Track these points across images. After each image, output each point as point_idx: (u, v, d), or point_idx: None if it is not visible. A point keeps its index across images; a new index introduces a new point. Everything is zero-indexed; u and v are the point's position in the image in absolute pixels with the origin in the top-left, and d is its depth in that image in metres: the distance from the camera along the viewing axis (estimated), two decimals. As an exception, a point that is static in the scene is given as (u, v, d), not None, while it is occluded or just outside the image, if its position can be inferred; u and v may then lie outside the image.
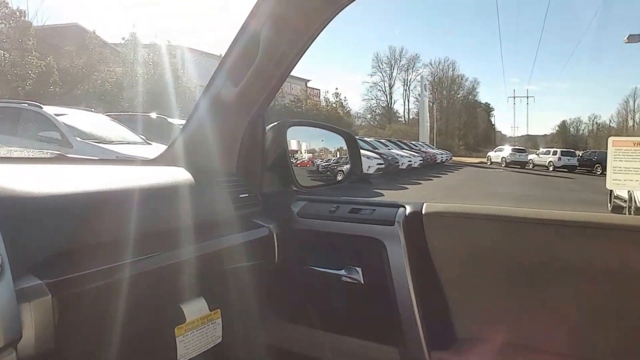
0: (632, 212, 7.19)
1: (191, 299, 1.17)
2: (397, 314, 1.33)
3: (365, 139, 21.42)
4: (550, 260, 1.23)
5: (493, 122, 52.21)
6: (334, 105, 36.01)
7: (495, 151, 31.92)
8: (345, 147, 1.70)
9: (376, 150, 17.26)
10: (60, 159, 1.25)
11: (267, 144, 1.48)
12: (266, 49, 1.28)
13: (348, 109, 39.72)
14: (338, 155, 1.76)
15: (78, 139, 6.78)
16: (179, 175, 1.28)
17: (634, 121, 48.71)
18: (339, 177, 1.71)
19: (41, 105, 7.54)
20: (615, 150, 1.21)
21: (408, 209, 1.37)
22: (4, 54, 16.54)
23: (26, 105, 7.73)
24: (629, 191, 7.78)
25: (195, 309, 1.17)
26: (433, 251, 1.34)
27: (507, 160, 29.05)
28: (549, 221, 1.22)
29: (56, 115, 7.22)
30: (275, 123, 1.49)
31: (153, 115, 10.36)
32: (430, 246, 1.34)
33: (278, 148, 1.47)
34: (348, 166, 1.68)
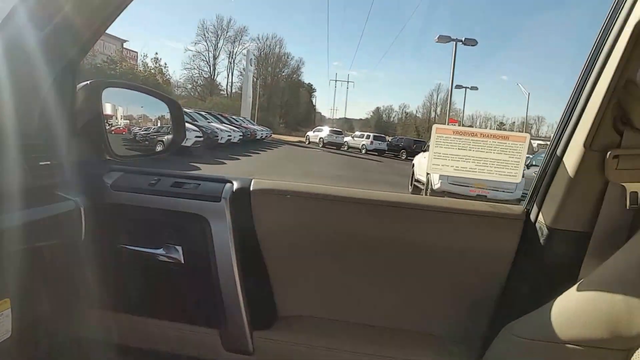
0: (427, 194, 8.49)
1: None
2: (219, 295, 1.29)
3: (185, 110, 20.57)
4: (364, 237, 1.30)
5: (314, 103, 55.32)
6: (152, 71, 33.51)
7: (314, 131, 33.61)
8: (167, 116, 1.58)
9: (195, 122, 16.69)
10: None
11: (77, 104, 1.27)
12: None
13: (168, 76, 37.47)
14: (159, 124, 1.61)
15: None
16: None
17: (435, 113, 56.86)
18: (159, 148, 1.57)
19: None
20: (438, 137, 1.26)
21: (235, 185, 1.33)
22: None
23: None
24: (427, 175, 9.13)
25: None
26: (259, 229, 1.31)
27: (325, 141, 30.70)
28: (362, 200, 1.29)
29: None
30: (89, 81, 1.27)
31: None
32: (257, 224, 1.31)
33: (90, 110, 1.26)
34: (170, 136, 1.56)
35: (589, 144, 1.13)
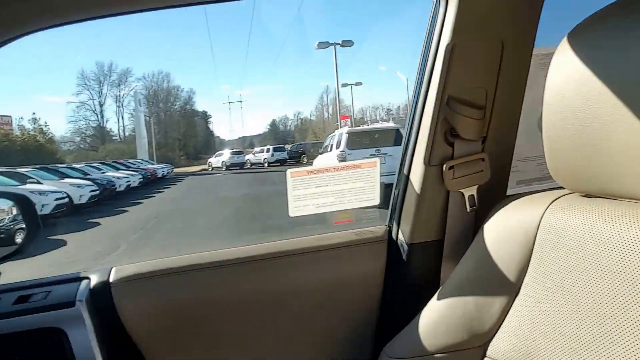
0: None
1: None
2: None
3: (74, 165, 19.52)
4: (238, 296, 1.26)
5: (212, 129, 54.50)
6: (32, 133, 31.04)
7: (215, 156, 33.22)
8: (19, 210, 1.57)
9: (88, 176, 15.95)
10: None
11: None
12: None
13: (51, 135, 34.90)
14: (14, 212, 1.63)
15: None
16: None
17: (328, 113, 58.14)
18: (18, 239, 1.56)
19: None
20: (294, 181, 1.25)
21: (93, 280, 1.21)
22: None
23: None
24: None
25: None
26: (127, 322, 1.19)
27: (227, 164, 30.56)
28: (226, 261, 1.26)
29: None
30: None
31: None
32: (123, 317, 1.19)
33: None
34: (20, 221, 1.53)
35: (427, 160, 1.19)
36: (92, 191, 13.95)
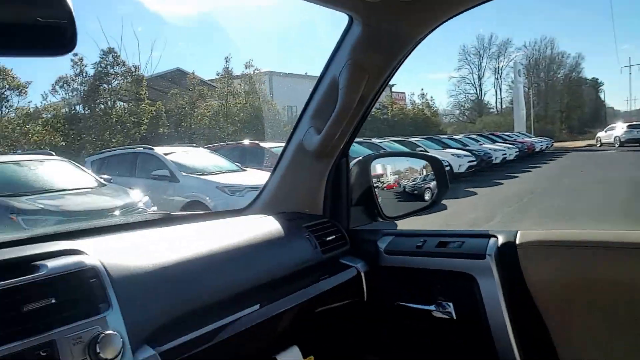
0: None
1: (285, 349, 1.19)
2: (493, 349, 1.25)
3: (454, 136, 20.80)
4: None
5: (602, 98, 47.58)
6: (420, 107, 35.25)
7: (606, 131, 28.64)
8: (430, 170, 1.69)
9: (466, 147, 16.65)
10: (166, 219, 1.30)
11: (351, 180, 1.50)
12: (345, 94, 1.30)
13: (435, 108, 38.64)
14: (424, 173, 1.76)
15: (183, 173, 7.52)
16: (269, 225, 1.32)
17: None
18: (427, 196, 1.72)
19: (153, 148, 8.58)
20: None
21: (500, 239, 1.28)
22: (124, 105, 18.86)
23: (141, 149, 8.89)
24: None
25: (289, 359, 1.18)
26: (531, 284, 1.24)
27: (622, 139, 25.68)
28: (630, 244, 1.14)
29: (165, 154, 8.11)
30: (358, 159, 1.53)
31: (246, 142, 11.15)
32: (528, 279, 1.23)
33: (363, 183, 1.50)
34: (434, 183, 1.69)
35: None
36: (470, 162, 14.55)
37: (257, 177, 6.81)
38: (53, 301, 0.76)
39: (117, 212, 5.58)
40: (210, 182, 7.25)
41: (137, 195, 6.29)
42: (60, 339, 0.73)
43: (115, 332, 0.78)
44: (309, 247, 1.33)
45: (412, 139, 16.57)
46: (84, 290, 0.81)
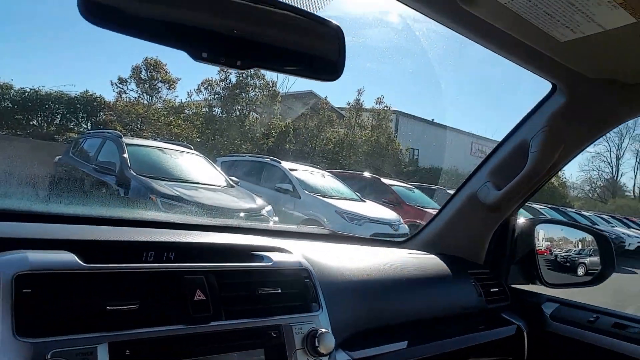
0: None
1: None
2: None
3: (583, 212, 19.03)
4: None
5: None
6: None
7: None
8: (589, 239, 1.66)
9: (595, 226, 15.06)
10: (332, 236, 1.35)
11: (514, 239, 1.51)
12: (537, 159, 1.28)
13: (564, 179, 35.68)
14: (580, 246, 1.70)
15: (305, 191, 7.81)
16: (435, 263, 1.35)
17: None
18: (580, 271, 1.65)
19: (280, 161, 8.96)
20: None
21: None
22: (256, 116, 20.23)
23: (269, 160, 9.32)
24: None
25: None
26: None
27: None
28: None
29: (290, 170, 8.46)
30: (526, 220, 1.54)
31: (367, 174, 11.27)
32: None
33: (526, 244, 1.50)
34: (591, 258, 1.62)
35: None
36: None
37: (375, 209, 6.86)
38: (279, 290, 0.82)
39: (242, 215, 5.87)
40: (330, 205, 7.49)
41: (261, 202, 6.58)
42: (286, 325, 0.80)
43: (329, 332, 0.83)
44: (473, 294, 1.33)
45: (536, 206, 15.46)
46: (300, 287, 0.87)
